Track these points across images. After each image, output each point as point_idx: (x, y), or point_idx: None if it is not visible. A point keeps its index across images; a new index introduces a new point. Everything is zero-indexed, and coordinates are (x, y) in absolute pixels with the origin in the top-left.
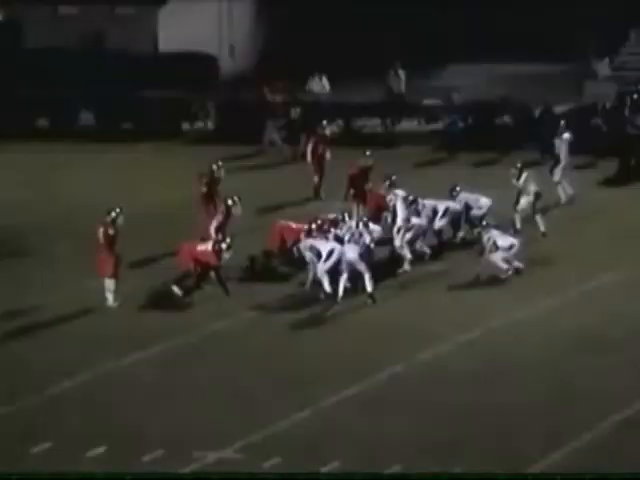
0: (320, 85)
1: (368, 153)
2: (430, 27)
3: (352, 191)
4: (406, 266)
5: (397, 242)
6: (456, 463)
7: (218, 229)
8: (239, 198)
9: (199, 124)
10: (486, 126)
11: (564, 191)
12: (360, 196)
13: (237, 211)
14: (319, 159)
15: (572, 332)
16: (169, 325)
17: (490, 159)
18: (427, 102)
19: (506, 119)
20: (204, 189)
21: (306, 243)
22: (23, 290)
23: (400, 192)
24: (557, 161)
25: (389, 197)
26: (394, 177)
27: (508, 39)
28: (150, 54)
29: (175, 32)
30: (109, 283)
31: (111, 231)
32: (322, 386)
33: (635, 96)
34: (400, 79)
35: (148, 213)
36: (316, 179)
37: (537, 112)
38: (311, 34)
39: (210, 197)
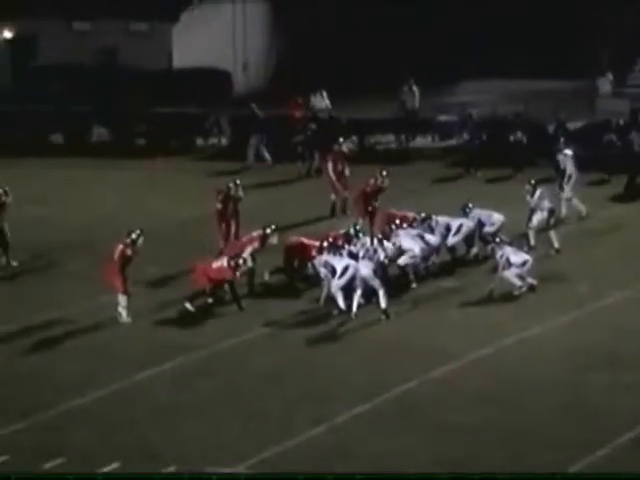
0: (321, 101)
1: (384, 173)
2: (443, 43)
3: (367, 208)
4: (413, 284)
5: (401, 261)
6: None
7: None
8: (277, 227)
9: (213, 140)
10: (500, 142)
11: (576, 207)
12: (372, 214)
13: (273, 240)
14: (339, 176)
15: (585, 349)
16: (182, 342)
17: (504, 175)
18: (441, 118)
19: (519, 135)
20: (219, 205)
21: (321, 259)
22: (38, 306)
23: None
24: (563, 177)
25: (393, 240)
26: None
27: (521, 55)
28: (164, 70)
29: (189, 48)
30: (122, 299)
31: (129, 252)
32: (335, 403)
33: None
34: (414, 95)
35: (161, 229)
36: (333, 197)
37: (551, 128)
38: (325, 50)
39: (223, 214)
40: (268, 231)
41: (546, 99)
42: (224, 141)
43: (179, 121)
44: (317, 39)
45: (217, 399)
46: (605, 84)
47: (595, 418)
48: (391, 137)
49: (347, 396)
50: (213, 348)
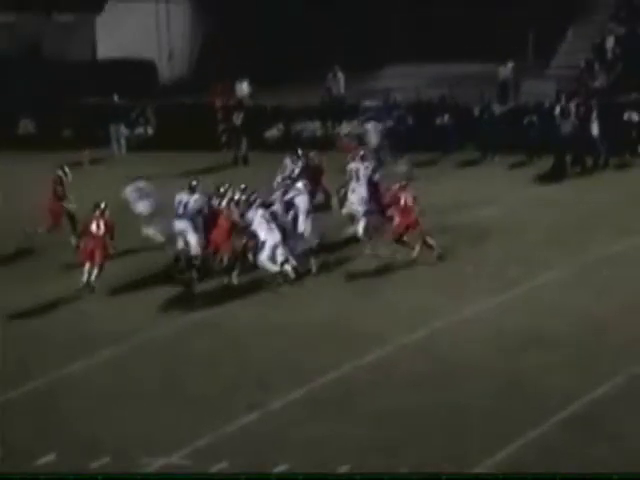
0: (241, 89)
1: (312, 154)
2: (367, 29)
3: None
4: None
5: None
6: (403, 463)
7: None
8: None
9: (139, 130)
10: (426, 126)
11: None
12: None
13: None
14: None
15: (516, 330)
16: (115, 328)
17: (431, 159)
18: (366, 104)
19: (446, 119)
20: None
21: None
22: None
23: None
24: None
25: None
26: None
27: (446, 40)
28: (89, 61)
29: (113, 38)
30: (97, 271)
31: (107, 222)
32: (270, 388)
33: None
34: (339, 81)
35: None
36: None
37: (477, 111)
38: (249, 38)
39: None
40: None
41: (471, 82)
42: (150, 131)
43: (104, 112)
44: (241, 27)
45: (152, 386)
46: (505, 71)
47: (528, 398)
48: (317, 124)
49: (282, 382)
50: (147, 334)
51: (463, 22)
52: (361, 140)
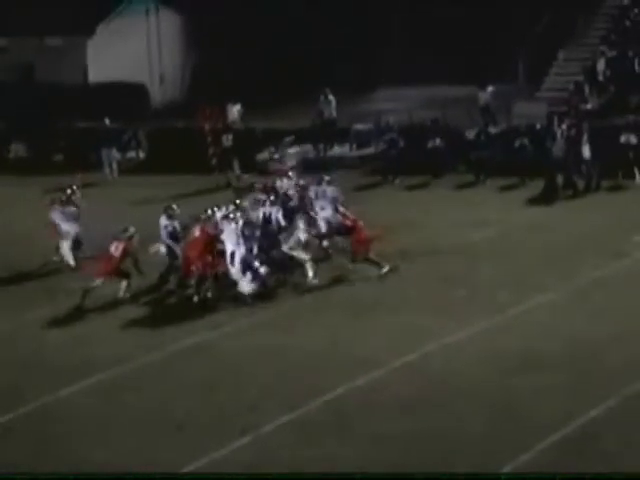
0: (233, 112)
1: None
2: (359, 51)
3: None
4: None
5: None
6: None
7: None
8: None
9: (131, 154)
10: (418, 149)
11: None
12: None
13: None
14: None
15: (508, 353)
16: (108, 354)
17: (423, 182)
18: (358, 126)
19: (437, 142)
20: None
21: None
22: None
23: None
24: None
25: None
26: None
27: (437, 62)
28: (80, 85)
29: (104, 62)
30: (124, 284)
31: (130, 247)
32: (262, 412)
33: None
34: (330, 104)
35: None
36: None
37: (470, 133)
38: (240, 62)
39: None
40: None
41: (463, 105)
42: (142, 155)
43: (97, 136)
44: (232, 50)
45: (145, 411)
46: (485, 95)
47: (520, 421)
48: (309, 146)
49: (273, 405)
50: (140, 360)
51: (455, 44)
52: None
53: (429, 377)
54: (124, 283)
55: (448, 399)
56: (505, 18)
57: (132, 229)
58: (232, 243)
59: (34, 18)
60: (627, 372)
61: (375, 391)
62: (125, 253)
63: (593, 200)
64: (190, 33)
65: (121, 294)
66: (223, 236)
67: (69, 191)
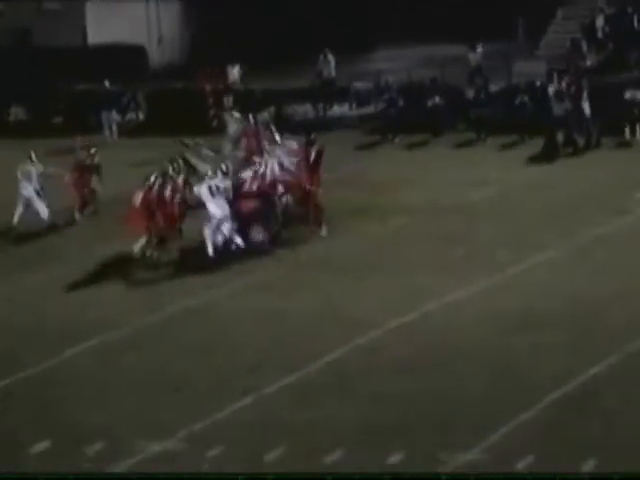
0: (233, 73)
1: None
2: (358, 10)
3: None
4: None
5: None
6: (396, 448)
7: None
8: None
9: (130, 116)
10: (418, 108)
11: None
12: None
13: None
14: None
15: (508, 312)
16: (107, 317)
17: (422, 141)
18: (357, 86)
19: (437, 100)
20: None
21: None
22: None
23: None
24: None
25: None
26: None
27: (436, 21)
28: (79, 47)
29: (103, 24)
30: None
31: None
32: (262, 374)
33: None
34: (330, 64)
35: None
36: None
37: (470, 92)
38: (239, 22)
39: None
40: None
41: (462, 64)
42: (141, 116)
43: (96, 98)
44: (231, 10)
45: (144, 374)
46: (475, 56)
47: (520, 380)
48: (309, 106)
49: (273, 367)
50: (138, 323)
51: (453, 3)
52: None
53: (429, 337)
54: (143, 239)
55: (448, 359)
56: None
57: (152, 176)
58: (211, 205)
59: None
60: (629, 329)
61: (375, 351)
62: (146, 201)
63: (595, 157)
64: None
65: (136, 250)
66: (202, 198)
67: (93, 150)
